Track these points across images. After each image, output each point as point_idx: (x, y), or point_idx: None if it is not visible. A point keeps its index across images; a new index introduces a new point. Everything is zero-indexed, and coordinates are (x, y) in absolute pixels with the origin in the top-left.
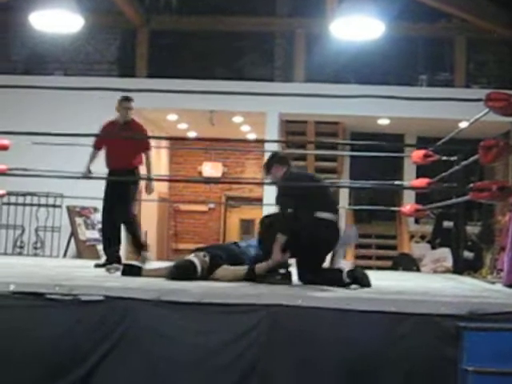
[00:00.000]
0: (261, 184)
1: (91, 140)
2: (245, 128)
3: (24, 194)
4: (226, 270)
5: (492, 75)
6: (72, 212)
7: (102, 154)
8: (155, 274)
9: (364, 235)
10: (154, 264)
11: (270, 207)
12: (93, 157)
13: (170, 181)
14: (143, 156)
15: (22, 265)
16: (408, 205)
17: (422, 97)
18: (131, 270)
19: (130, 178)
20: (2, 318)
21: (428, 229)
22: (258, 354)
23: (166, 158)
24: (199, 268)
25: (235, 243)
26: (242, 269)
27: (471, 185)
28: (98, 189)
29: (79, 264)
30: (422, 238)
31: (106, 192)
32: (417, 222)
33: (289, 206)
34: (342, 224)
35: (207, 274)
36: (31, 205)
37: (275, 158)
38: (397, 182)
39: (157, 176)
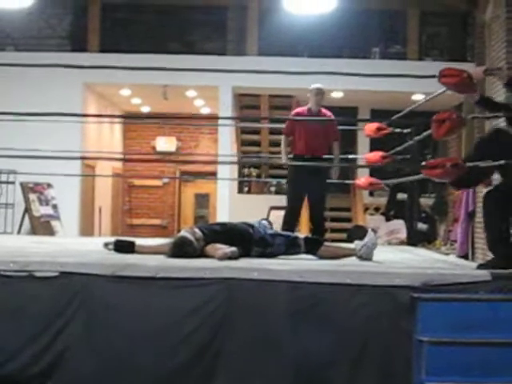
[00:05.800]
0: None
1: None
2: (198, 102)
3: None
4: (213, 248)
5: (444, 47)
6: (25, 188)
7: None
8: (149, 250)
9: None
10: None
11: (223, 182)
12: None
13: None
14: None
15: None
16: (362, 178)
17: (376, 73)
18: (124, 247)
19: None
20: None
21: (382, 201)
22: (215, 326)
23: (120, 133)
24: (195, 243)
25: (246, 223)
26: (227, 248)
27: (424, 163)
28: (50, 165)
29: (34, 240)
30: (377, 210)
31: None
32: (371, 194)
33: None
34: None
35: (203, 249)
36: None
37: None
38: (351, 156)
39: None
